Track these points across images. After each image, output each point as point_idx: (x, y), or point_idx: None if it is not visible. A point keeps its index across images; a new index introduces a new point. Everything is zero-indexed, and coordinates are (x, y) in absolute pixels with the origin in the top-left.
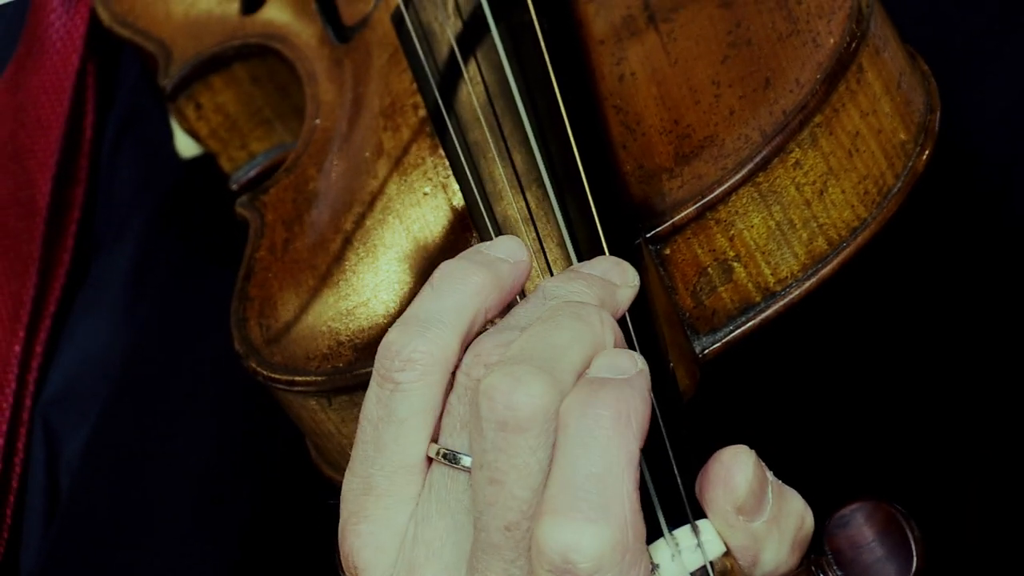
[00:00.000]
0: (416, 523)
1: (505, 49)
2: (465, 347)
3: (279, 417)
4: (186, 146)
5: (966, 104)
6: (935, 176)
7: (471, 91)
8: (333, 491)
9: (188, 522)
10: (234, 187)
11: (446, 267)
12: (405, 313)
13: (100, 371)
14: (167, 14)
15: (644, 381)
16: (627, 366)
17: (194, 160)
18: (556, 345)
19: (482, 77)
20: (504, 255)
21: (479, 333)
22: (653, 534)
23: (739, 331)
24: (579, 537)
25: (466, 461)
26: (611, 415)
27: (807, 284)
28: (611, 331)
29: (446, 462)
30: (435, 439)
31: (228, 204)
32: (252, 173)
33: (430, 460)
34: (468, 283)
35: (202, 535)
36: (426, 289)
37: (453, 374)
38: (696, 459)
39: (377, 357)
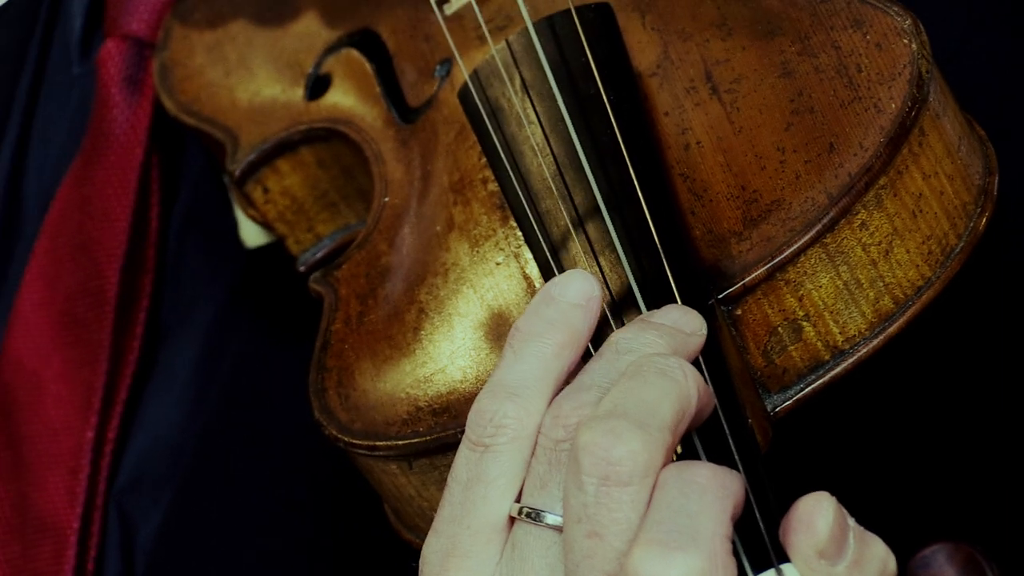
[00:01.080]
0: None
1: (573, 122)
2: (550, 406)
3: (356, 490)
4: (251, 235)
5: (1014, 170)
6: (993, 239)
7: (541, 162)
8: (413, 555)
9: None
10: (302, 269)
11: (522, 329)
12: (492, 379)
13: (172, 456)
14: (232, 102)
15: (740, 475)
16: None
17: (259, 250)
18: (647, 401)
19: (551, 148)
20: (575, 299)
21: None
22: None
23: (809, 389)
24: (669, 566)
25: (549, 519)
26: (709, 473)
27: (875, 342)
28: (695, 383)
29: (529, 520)
30: (517, 500)
31: (294, 288)
32: (320, 255)
33: (512, 521)
34: (548, 346)
35: None
36: (508, 353)
37: None
38: (778, 506)
39: (468, 423)
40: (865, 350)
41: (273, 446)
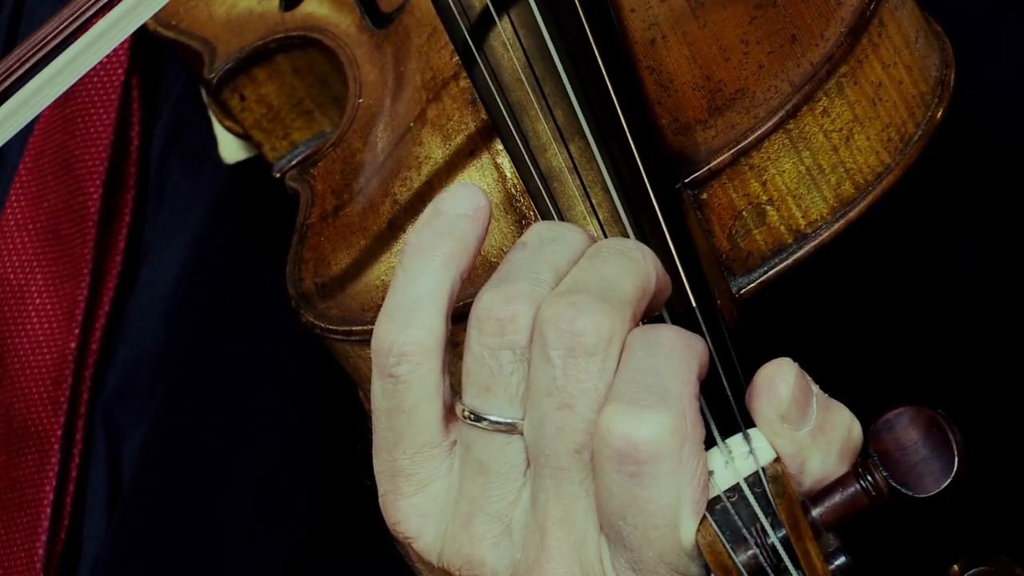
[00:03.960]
0: (454, 483)
1: (542, 16)
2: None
3: (336, 397)
4: (230, 151)
5: (976, 70)
6: (950, 135)
7: (512, 55)
8: None
9: (249, 510)
10: (277, 175)
11: (411, 244)
12: (386, 303)
13: (156, 368)
14: (209, 15)
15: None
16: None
17: (238, 166)
18: (607, 277)
19: (520, 42)
20: (463, 210)
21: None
22: (707, 443)
23: (773, 271)
24: (640, 423)
25: (499, 419)
26: (675, 335)
27: (836, 226)
28: (652, 263)
29: (476, 424)
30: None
31: (273, 204)
32: (295, 162)
33: (447, 427)
34: (436, 258)
35: (261, 523)
36: (398, 272)
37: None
38: (745, 375)
39: (372, 353)
40: (827, 234)
41: (254, 358)
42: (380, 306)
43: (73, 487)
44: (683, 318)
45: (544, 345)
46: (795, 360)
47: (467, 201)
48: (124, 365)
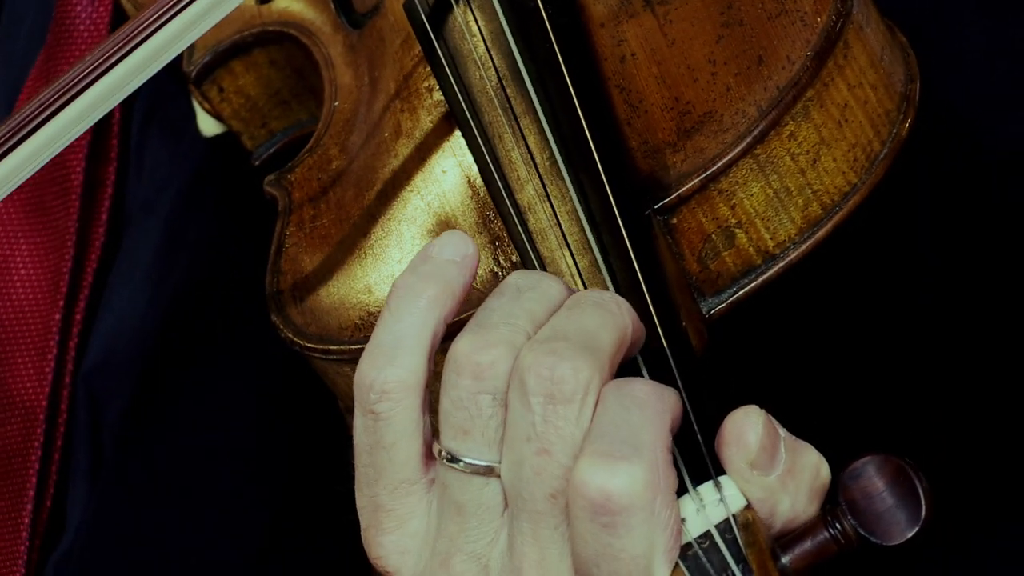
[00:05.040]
0: (432, 521)
1: (513, 34)
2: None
3: (310, 380)
4: (208, 126)
5: (939, 73)
6: (914, 147)
7: (483, 74)
8: None
9: (226, 482)
10: (256, 163)
11: (398, 286)
12: (371, 341)
13: (137, 339)
14: None
15: (676, 393)
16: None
17: (216, 138)
18: (586, 328)
19: (492, 61)
20: (451, 255)
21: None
22: (679, 490)
23: (742, 292)
24: (614, 475)
25: (476, 462)
26: (648, 388)
27: (804, 246)
28: (629, 315)
29: (454, 466)
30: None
31: (251, 178)
32: (272, 150)
33: (427, 463)
34: (422, 300)
35: (238, 496)
36: (384, 313)
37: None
38: (716, 418)
39: (355, 389)
40: (795, 254)
41: (232, 330)
42: (357, 325)
43: (58, 455)
44: (654, 353)
45: (524, 391)
46: (764, 383)
47: (455, 248)
48: (105, 334)
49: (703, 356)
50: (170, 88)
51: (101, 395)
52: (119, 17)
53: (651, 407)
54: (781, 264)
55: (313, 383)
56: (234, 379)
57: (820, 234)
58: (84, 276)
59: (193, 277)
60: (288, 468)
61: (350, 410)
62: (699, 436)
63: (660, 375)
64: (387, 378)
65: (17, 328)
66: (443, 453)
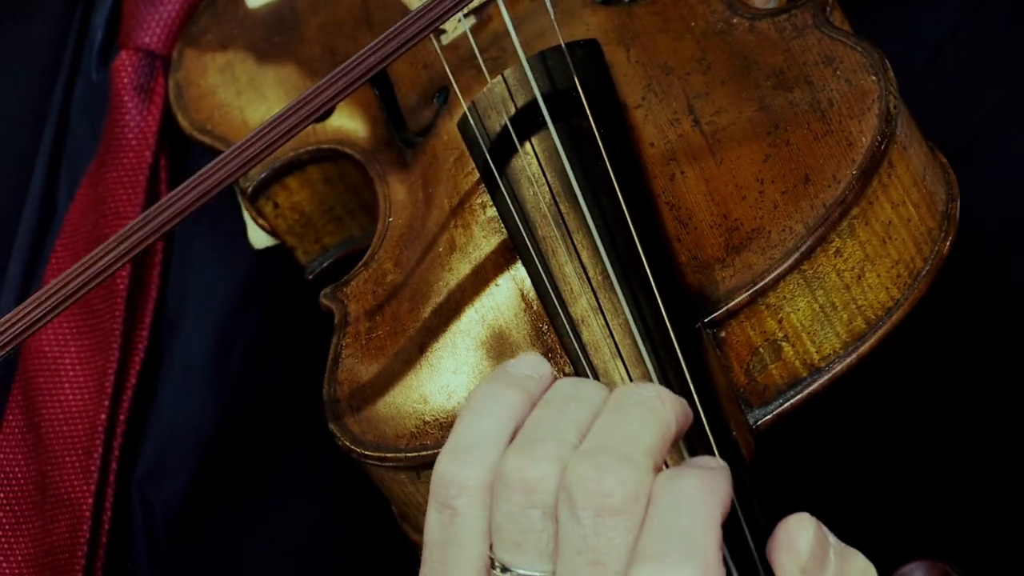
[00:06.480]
0: None
1: (566, 153)
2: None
3: (363, 486)
4: (259, 239)
5: (971, 190)
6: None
7: (537, 191)
8: (418, 557)
9: None
10: (310, 277)
11: (482, 390)
12: (451, 440)
13: (189, 446)
14: (244, 122)
15: (726, 472)
16: (711, 463)
17: (266, 250)
18: (629, 432)
19: (546, 178)
20: (530, 372)
21: None
22: None
23: (788, 404)
24: None
25: (523, 571)
26: (697, 483)
27: (848, 360)
28: (673, 408)
29: (501, 573)
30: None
31: (303, 291)
32: (326, 264)
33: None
34: (503, 404)
35: None
36: (466, 413)
37: None
38: (765, 520)
39: (432, 485)
40: (840, 367)
41: (286, 440)
42: (413, 434)
43: (103, 552)
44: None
45: (573, 506)
46: (810, 495)
47: (533, 367)
48: (156, 441)
49: (751, 464)
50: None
51: (154, 501)
52: (168, 125)
53: (702, 503)
54: (826, 377)
55: (367, 489)
56: (287, 485)
57: (864, 348)
58: (128, 378)
59: (245, 385)
60: (343, 573)
61: (404, 516)
62: (750, 542)
63: None
64: (468, 475)
65: (65, 429)
66: (497, 564)
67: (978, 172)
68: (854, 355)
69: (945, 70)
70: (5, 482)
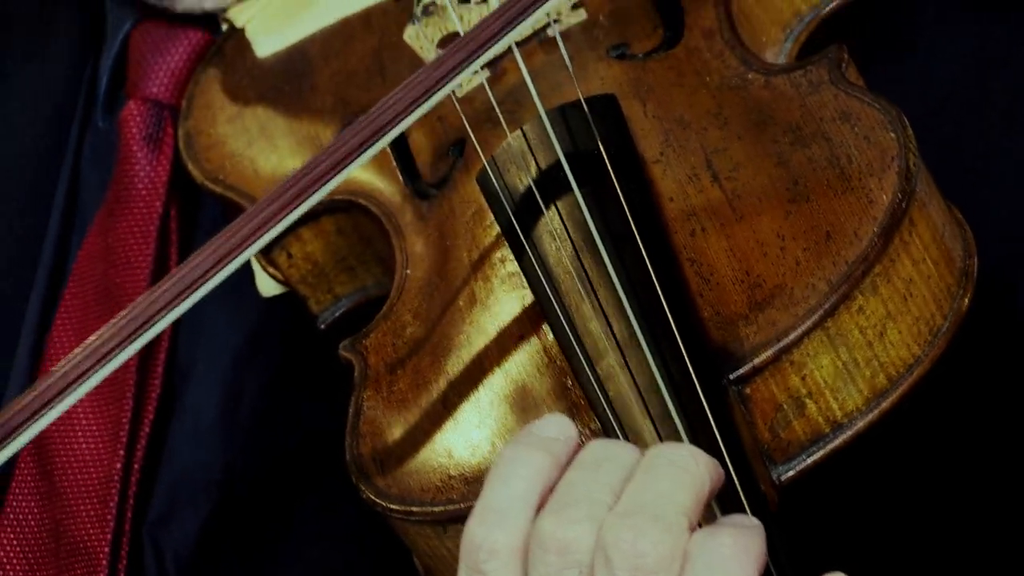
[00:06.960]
0: None
1: (588, 208)
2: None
3: (387, 537)
4: (267, 287)
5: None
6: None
7: (559, 246)
8: None
9: None
10: (322, 327)
11: (508, 453)
12: (480, 503)
13: (200, 492)
14: (255, 172)
15: (760, 530)
16: (744, 521)
17: (274, 299)
18: (662, 493)
19: (568, 234)
20: (555, 434)
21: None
22: None
23: (811, 459)
24: None
25: None
26: (732, 542)
27: (870, 416)
28: (706, 468)
29: None
30: None
31: (312, 339)
32: (338, 314)
33: None
34: (531, 467)
35: None
36: (494, 476)
37: None
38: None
39: (462, 550)
40: (862, 423)
41: (296, 483)
42: (438, 488)
43: None
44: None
45: (610, 567)
46: (833, 548)
47: (558, 428)
48: (168, 487)
49: (777, 519)
50: None
51: (165, 547)
52: (177, 174)
53: (736, 562)
54: (849, 433)
55: (390, 539)
56: (300, 533)
57: (886, 405)
58: (142, 427)
59: (256, 433)
60: None
61: (429, 569)
62: None
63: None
64: (497, 539)
65: (80, 477)
66: None
67: (982, 182)
68: (876, 411)
69: (948, 79)
70: (19, 529)
